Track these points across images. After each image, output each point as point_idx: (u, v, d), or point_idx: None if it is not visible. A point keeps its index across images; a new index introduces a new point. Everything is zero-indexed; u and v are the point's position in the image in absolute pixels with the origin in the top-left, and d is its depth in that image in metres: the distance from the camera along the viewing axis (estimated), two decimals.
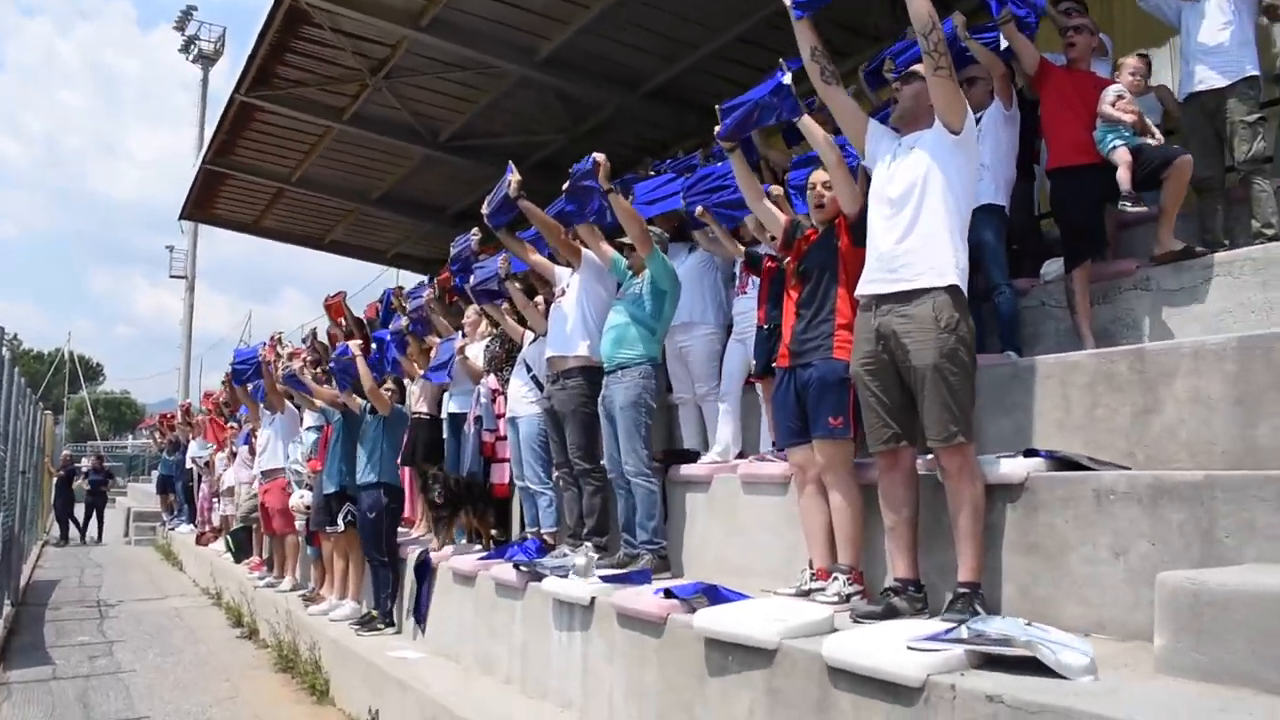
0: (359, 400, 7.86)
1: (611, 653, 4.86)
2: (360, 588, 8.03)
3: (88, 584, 13.96)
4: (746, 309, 6.60)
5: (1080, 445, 4.23)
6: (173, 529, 17.73)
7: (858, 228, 4.73)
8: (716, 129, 5.28)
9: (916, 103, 4.39)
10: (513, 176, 6.53)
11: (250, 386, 12.50)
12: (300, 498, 8.88)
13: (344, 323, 12.48)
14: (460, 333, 8.10)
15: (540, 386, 7.03)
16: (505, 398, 7.43)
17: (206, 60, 35.83)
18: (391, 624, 7.35)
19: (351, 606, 7.95)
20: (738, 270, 6.89)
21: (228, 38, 35.77)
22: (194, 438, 16.73)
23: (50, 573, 15.62)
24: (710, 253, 6.96)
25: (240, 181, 16.00)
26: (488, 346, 7.83)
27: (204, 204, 17.18)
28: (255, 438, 11.95)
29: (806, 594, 4.67)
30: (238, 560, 11.91)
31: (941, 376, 4.00)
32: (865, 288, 4.30)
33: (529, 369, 7.09)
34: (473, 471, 7.31)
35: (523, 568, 5.82)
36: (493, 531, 7.42)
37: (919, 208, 4.20)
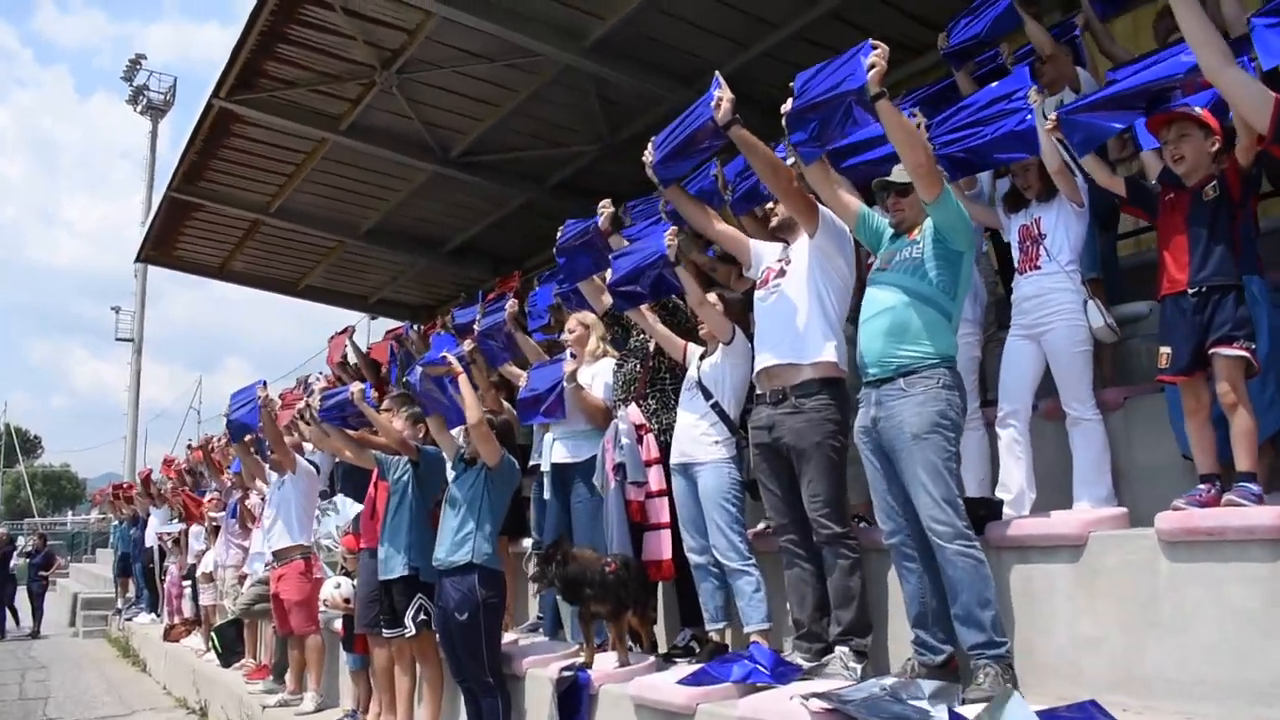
0: (455, 439, 5.27)
1: None
2: (438, 717, 5.39)
3: (30, 694, 10.89)
4: (1039, 291, 4.44)
5: None
6: (129, 619, 14.58)
7: None
8: None
9: None
10: (722, 92, 4.10)
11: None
12: (337, 588, 6.21)
13: (350, 363, 9.89)
14: (568, 353, 5.60)
15: (727, 419, 4.60)
16: (655, 434, 4.98)
17: (156, 112, 32.71)
18: None
19: None
20: (1013, 237, 4.60)
21: (178, 88, 32.79)
22: (155, 510, 13.78)
23: None
24: None
25: (209, 214, 13.33)
26: (620, 366, 5.35)
27: (165, 243, 14.42)
28: (245, 507, 9.22)
29: None
30: (225, 663, 9.06)
31: None
32: None
33: (707, 395, 4.64)
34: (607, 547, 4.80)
35: (819, 701, 3.30)
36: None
37: None
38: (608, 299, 5.43)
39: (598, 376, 5.52)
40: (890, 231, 4.01)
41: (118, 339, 32.55)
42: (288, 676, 7.46)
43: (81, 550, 31.59)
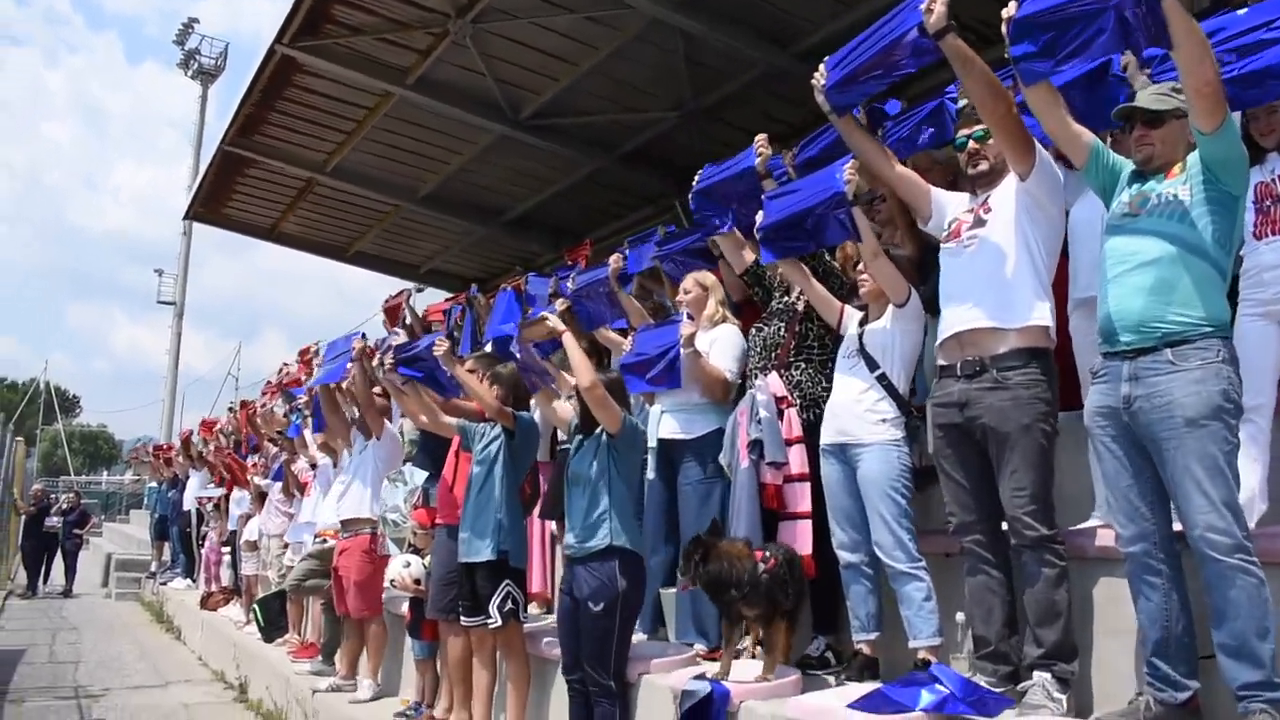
0: (564, 410, 4.55)
1: None
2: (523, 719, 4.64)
3: (61, 657, 10.27)
4: None
5: None
6: (164, 583, 13.94)
7: None
8: None
9: None
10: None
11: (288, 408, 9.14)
12: (406, 566, 5.47)
13: (410, 325, 9.14)
14: (684, 314, 4.81)
15: (896, 394, 3.83)
16: (799, 409, 4.21)
17: (207, 76, 32.16)
18: None
19: None
20: (1250, 192, 3.77)
21: (230, 53, 32.21)
22: (194, 472, 13.12)
23: (14, 636, 11.88)
24: None
25: (262, 171, 12.63)
26: (759, 329, 4.56)
27: (215, 200, 13.75)
28: (290, 471, 8.51)
29: None
30: (268, 638, 8.36)
31: None
32: None
33: (872, 365, 3.87)
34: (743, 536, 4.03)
35: None
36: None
37: None
38: (749, 255, 4.67)
39: (716, 343, 4.74)
40: (1130, 170, 3.22)
41: (159, 302, 32.06)
42: (338, 658, 6.74)
43: (115, 510, 31.14)
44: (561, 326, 4.37)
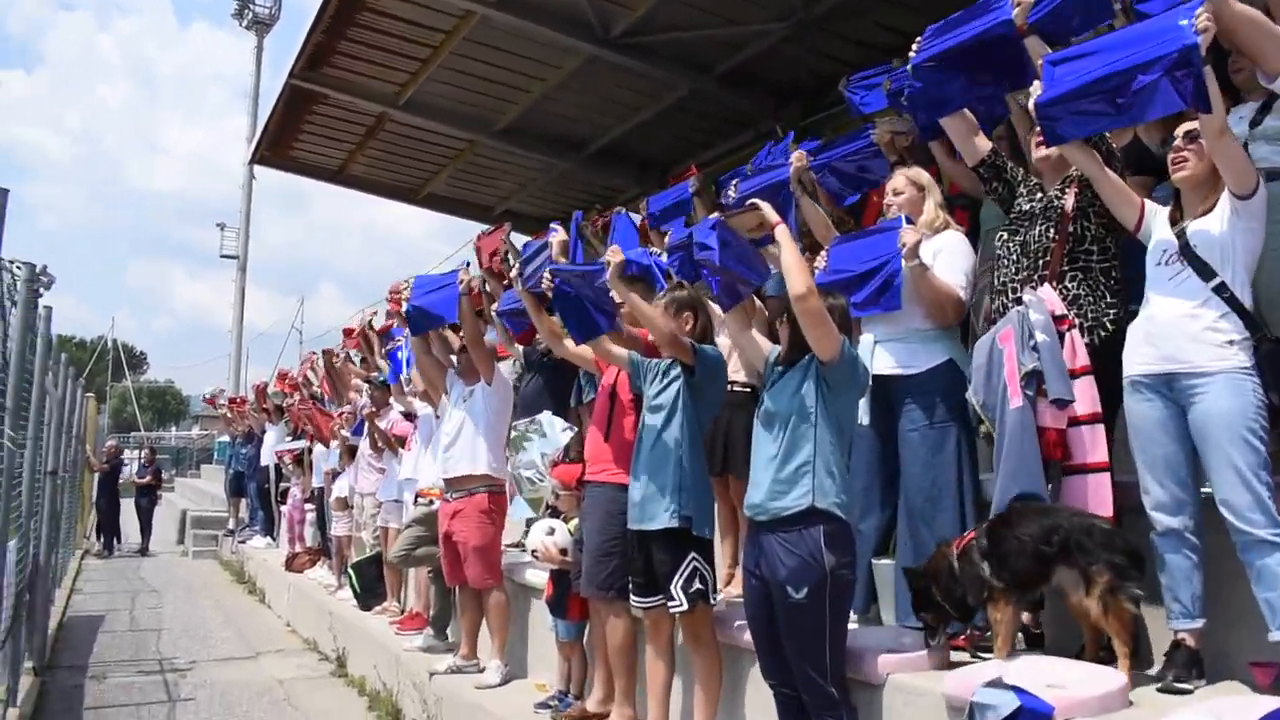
0: (760, 340, 3.63)
1: None
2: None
3: (142, 624, 9.66)
4: None
5: None
6: (243, 541, 13.35)
7: None
8: None
9: None
10: None
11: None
12: (549, 534, 4.60)
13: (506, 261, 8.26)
14: (902, 219, 3.83)
15: (1241, 309, 2.86)
16: (1082, 327, 3.26)
17: (262, 26, 31.29)
18: None
19: None
20: None
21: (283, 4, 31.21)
22: (271, 426, 12.44)
23: (91, 600, 11.33)
24: None
25: (331, 106, 11.71)
26: (1011, 233, 3.57)
27: (281, 141, 12.89)
28: (374, 424, 7.67)
29: None
30: (364, 606, 7.62)
31: None
32: None
33: (1205, 273, 2.90)
34: (1028, 493, 3.12)
35: None
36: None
37: None
38: (983, 143, 3.68)
39: (941, 254, 3.78)
40: None
41: (222, 255, 31.46)
42: (453, 634, 5.94)
43: (186, 465, 30.93)
44: (775, 216, 3.41)
